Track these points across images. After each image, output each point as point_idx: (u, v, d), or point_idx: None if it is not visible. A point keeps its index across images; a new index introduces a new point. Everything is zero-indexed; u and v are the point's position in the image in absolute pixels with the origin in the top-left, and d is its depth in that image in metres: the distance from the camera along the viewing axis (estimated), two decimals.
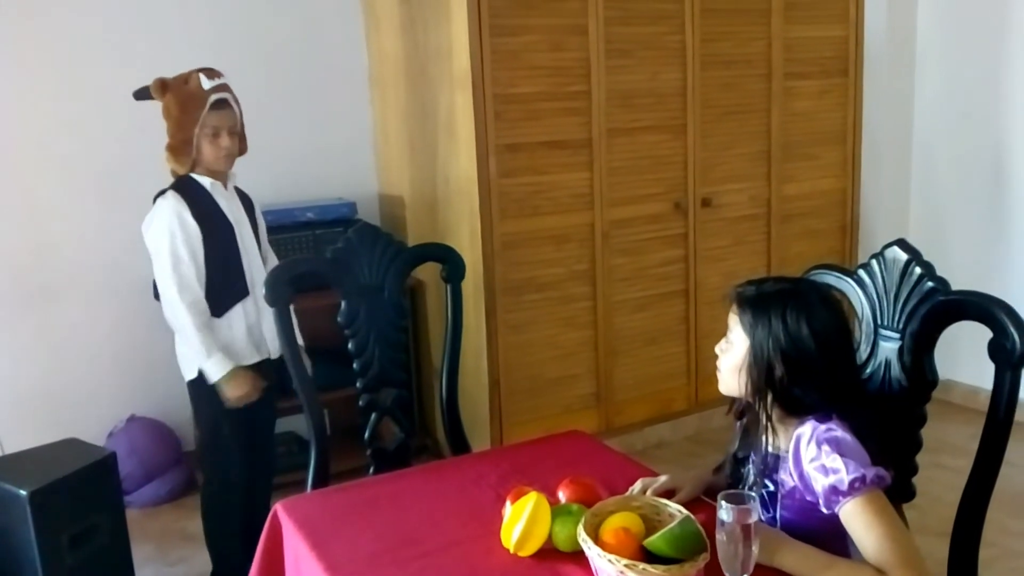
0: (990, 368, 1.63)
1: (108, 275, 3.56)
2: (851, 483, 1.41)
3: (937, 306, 1.68)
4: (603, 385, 3.74)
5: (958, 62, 4.17)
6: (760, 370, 1.54)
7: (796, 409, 1.54)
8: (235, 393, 2.57)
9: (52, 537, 2.44)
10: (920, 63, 4.33)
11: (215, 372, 2.54)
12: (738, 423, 1.74)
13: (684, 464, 3.69)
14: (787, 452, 1.54)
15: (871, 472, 1.42)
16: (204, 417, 2.70)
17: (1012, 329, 1.56)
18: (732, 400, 1.70)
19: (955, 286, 1.70)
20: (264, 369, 2.69)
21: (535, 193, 3.45)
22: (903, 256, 1.74)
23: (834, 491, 1.43)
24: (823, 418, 1.50)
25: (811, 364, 1.51)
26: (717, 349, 1.64)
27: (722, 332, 1.65)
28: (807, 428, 1.50)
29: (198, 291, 2.53)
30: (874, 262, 1.80)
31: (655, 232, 3.75)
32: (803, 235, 4.16)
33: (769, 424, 1.57)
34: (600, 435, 3.65)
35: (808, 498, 1.49)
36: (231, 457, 2.67)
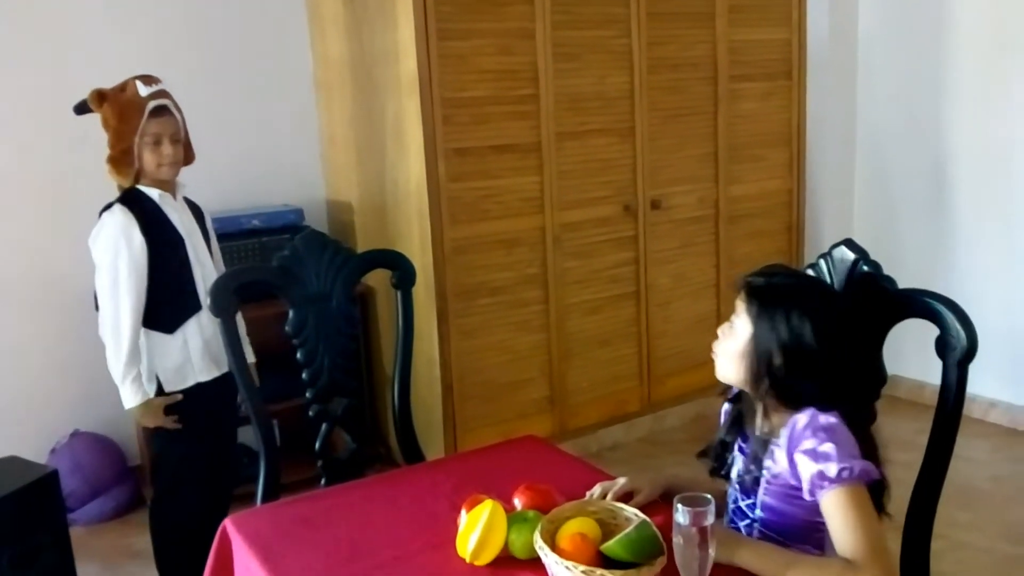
0: (935, 363, 1.65)
1: (50, 287, 3.46)
2: (839, 471, 1.42)
3: (884, 305, 1.70)
4: (556, 388, 3.73)
5: (900, 64, 4.25)
6: (760, 360, 1.54)
7: (791, 399, 1.55)
8: (146, 423, 2.54)
9: None
10: (862, 65, 4.40)
11: (127, 399, 2.49)
12: (726, 409, 1.74)
13: (638, 465, 3.70)
14: (779, 437, 1.54)
15: (859, 465, 1.44)
16: (163, 434, 2.60)
17: (958, 326, 1.59)
18: (726, 385, 1.70)
19: (902, 284, 1.72)
20: (226, 384, 2.63)
21: (485, 197, 3.43)
22: (850, 255, 1.76)
23: (821, 476, 1.44)
24: (824, 409, 1.51)
25: (810, 361, 1.52)
26: (719, 331, 1.64)
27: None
28: (805, 415, 1.51)
29: (133, 315, 2.46)
30: (822, 262, 1.81)
31: (606, 235, 3.75)
32: (750, 236, 4.20)
33: (763, 410, 1.58)
34: (554, 438, 3.65)
35: (792, 483, 1.50)
36: (187, 474, 2.60)
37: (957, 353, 1.60)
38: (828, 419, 1.49)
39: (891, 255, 4.02)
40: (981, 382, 3.83)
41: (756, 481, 1.58)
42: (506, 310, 3.55)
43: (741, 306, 1.59)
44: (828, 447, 1.45)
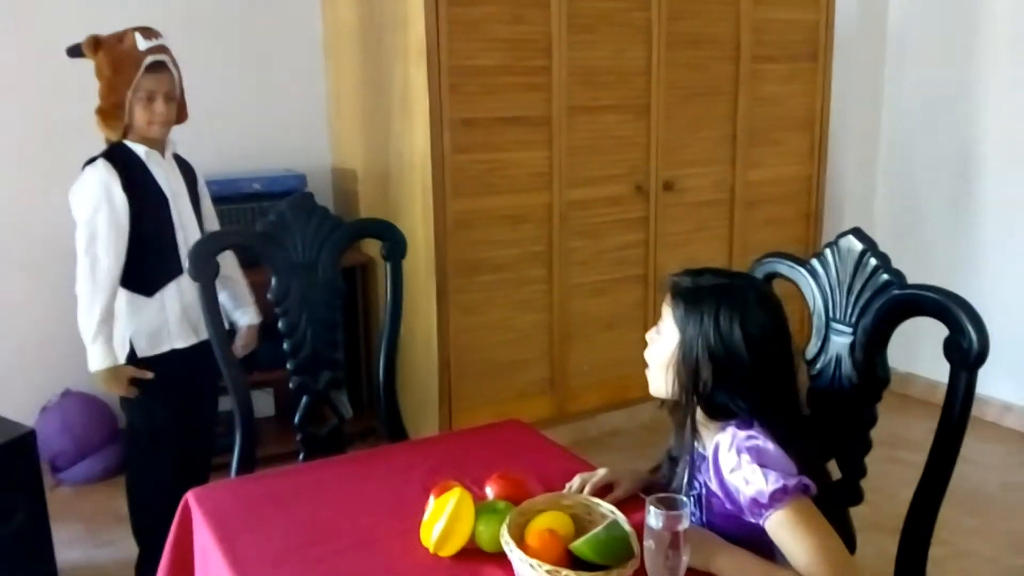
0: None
1: (39, 243, 3.40)
2: (772, 495, 1.32)
3: (891, 300, 1.59)
4: (557, 370, 3.64)
5: (929, 50, 4.10)
6: (688, 370, 1.44)
7: (719, 414, 1.45)
8: (109, 388, 2.44)
9: None
10: (891, 50, 4.25)
11: (94, 361, 2.39)
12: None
13: (639, 453, 3.61)
14: (708, 456, 1.45)
15: (792, 481, 1.33)
16: (137, 401, 2.55)
17: (970, 328, 1.46)
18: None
19: (919, 279, 1.61)
20: (205, 351, 2.56)
21: (491, 171, 3.33)
22: (858, 246, 1.65)
23: (756, 504, 1.34)
24: (744, 425, 1.41)
25: (740, 369, 1.41)
26: (648, 337, 1.54)
27: None
28: (727, 435, 1.41)
29: (110, 274, 2.38)
30: (828, 252, 1.71)
31: (615, 215, 3.64)
32: (766, 222, 4.08)
33: (693, 425, 1.48)
34: (553, 421, 3.57)
35: (728, 506, 1.41)
36: (162, 442, 2.53)
37: (966, 356, 1.48)
38: (751, 436, 1.38)
39: (911, 248, 3.94)
40: (997, 384, 3.72)
41: (698, 499, 1.48)
42: (508, 288, 3.46)
43: (667, 309, 1.49)
44: (755, 471, 1.34)
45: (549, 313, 3.57)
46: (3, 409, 2.69)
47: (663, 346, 1.49)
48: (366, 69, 3.57)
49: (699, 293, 1.45)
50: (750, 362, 1.40)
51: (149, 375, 2.46)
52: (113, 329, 2.42)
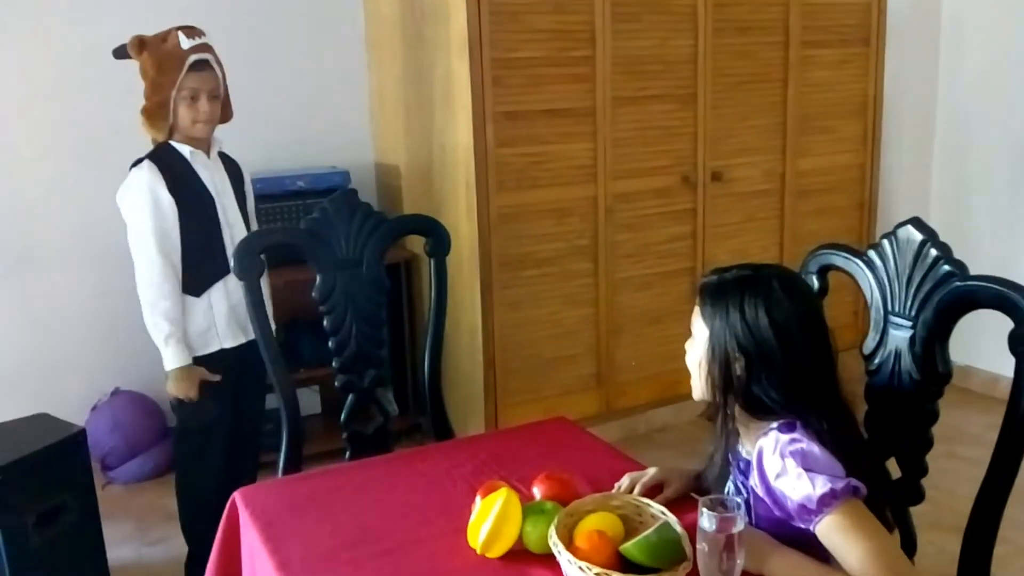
0: (1011, 356, 1.47)
1: (91, 242, 3.44)
2: (820, 499, 1.28)
3: (953, 292, 1.53)
4: (604, 366, 3.60)
5: (986, 32, 3.98)
6: (720, 365, 1.40)
7: (759, 410, 1.40)
8: (177, 390, 2.44)
9: (17, 517, 2.33)
10: (946, 33, 4.13)
11: (169, 361, 2.41)
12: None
13: (688, 450, 3.56)
14: (752, 459, 1.41)
15: (840, 485, 1.28)
16: (187, 401, 2.56)
17: None
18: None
19: (978, 270, 1.55)
20: (252, 350, 2.57)
21: (535, 164, 3.29)
22: (917, 236, 1.58)
23: (804, 510, 1.30)
24: (786, 428, 1.36)
25: (771, 359, 1.37)
26: (686, 345, 1.50)
27: None
28: (770, 440, 1.36)
29: (165, 274, 2.39)
30: (886, 242, 1.65)
31: (661, 207, 3.58)
32: (818, 212, 3.99)
33: (732, 426, 1.43)
34: (600, 417, 3.53)
35: (777, 512, 1.36)
36: (211, 442, 2.55)
37: None
38: (794, 440, 1.33)
39: (970, 237, 3.82)
40: None
41: (746, 504, 1.42)
42: (553, 282, 3.42)
43: (696, 311, 1.45)
44: (801, 475, 1.29)
45: (595, 307, 3.53)
46: (54, 408, 2.72)
47: (696, 347, 1.46)
48: (408, 63, 3.56)
49: (723, 287, 1.43)
50: (780, 349, 1.36)
51: (217, 377, 2.48)
52: (182, 329, 2.43)
